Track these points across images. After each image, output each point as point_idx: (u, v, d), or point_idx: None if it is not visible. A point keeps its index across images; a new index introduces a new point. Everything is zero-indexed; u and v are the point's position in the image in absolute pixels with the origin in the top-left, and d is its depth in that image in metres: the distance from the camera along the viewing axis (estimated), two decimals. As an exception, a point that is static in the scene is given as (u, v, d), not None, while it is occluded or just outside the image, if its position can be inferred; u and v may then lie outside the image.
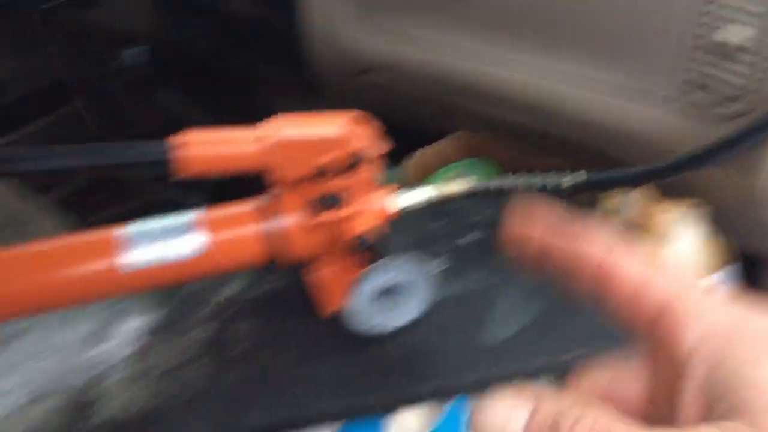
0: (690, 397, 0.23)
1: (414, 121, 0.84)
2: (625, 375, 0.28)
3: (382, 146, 0.57)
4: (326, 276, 0.62)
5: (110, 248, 0.55)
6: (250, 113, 0.60)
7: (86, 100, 1.47)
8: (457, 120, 0.84)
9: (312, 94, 0.98)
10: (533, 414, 0.22)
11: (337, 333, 0.59)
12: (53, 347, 0.61)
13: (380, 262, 0.52)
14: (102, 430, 0.54)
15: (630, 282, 0.25)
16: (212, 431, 0.54)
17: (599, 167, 0.63)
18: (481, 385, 0.58)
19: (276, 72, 1.03)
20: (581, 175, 0.62)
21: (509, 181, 0.65)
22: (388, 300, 0.55)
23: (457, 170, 0.83)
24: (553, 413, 0.22)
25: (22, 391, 0.58)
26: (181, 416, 0.55)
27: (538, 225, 0.27)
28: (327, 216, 0.57)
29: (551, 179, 0.63)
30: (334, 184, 0.57)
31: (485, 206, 0.72)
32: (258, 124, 0.57)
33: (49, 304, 0.56)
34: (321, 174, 0.56)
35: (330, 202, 0.57)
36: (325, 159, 0.56)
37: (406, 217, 0.64)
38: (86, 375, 0.59)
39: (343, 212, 0.58)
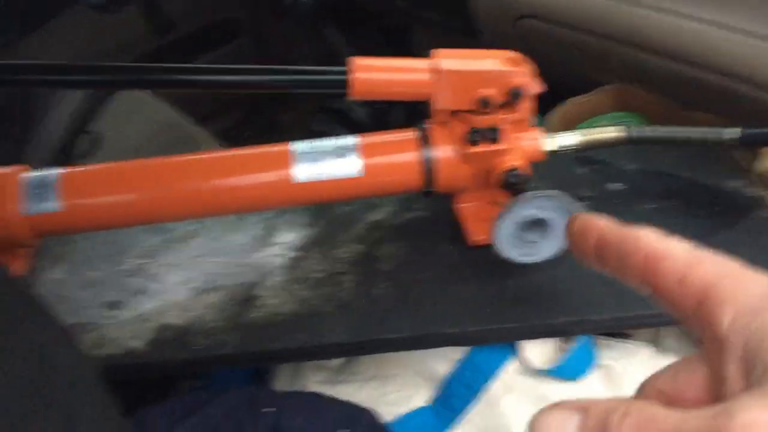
0: (732, 370, 0.23)
1: (564, 72, 0.84)
2: (684, 374, 0.27)
3: (540, 86, 0.59)
4: (474, 206, 0.65)
5: (284, 161, 0.60)
6: (407, 56, 0.63)
7: (253, 38, 1.55)
8: (609, 71, 0.84)
9: (470, 38, 1.00)
10: (585, 415, 0.23)
11: (479, 261, 0.62)
12: (222, 248, 0.68)
13: (526, 195, 0.55)
14: (254, 327, 0.60)
15: (675, 269, 0.26)
16: (353, 339, 0.59)
17: (753, 125, 0.62)
18: (610, 326, 0.59)
19: (437, 15, 1.05)
20: (736, 132, 0.61)
21: (665, 131, 0.65)
22: (531, 233, 0.57)
23: (604, 122, 0.83)
24: (603, 411, 0.23)
25: (190, 284, 0.65)
26: (326, 323, 0.60)
27: (597, 221, 0.29)
28: (481, 148, 0.60)
29: (710, 133, 0.62)
30: (491, 118, 0.60)
31: (633, 156, 0.72)
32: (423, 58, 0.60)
33: (225, 208, 0.63)
34: (482, 106, 0.59)
35: (486, 135, 0.60)
36: (487, 92, 0.58)
37: (553, 160, 0.65)
38: (246, 277, 0.65)
39: (497, 146, 0.60)
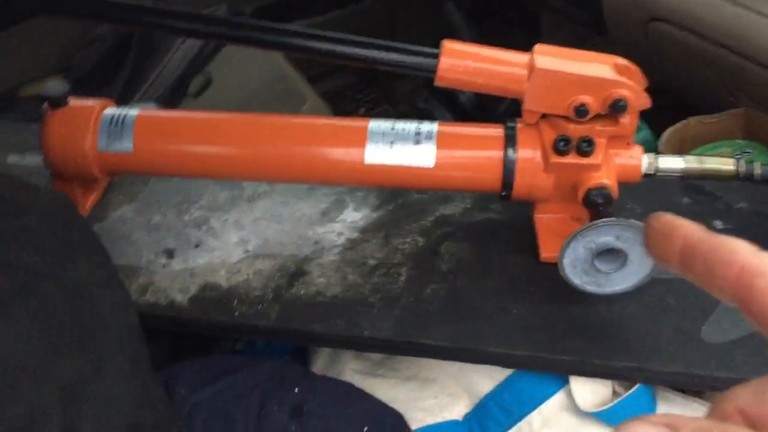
0: None
1: (691, 86, 0.76)
2: None
3: (646, 101, 0.52)
4: (553, 219, 0.60)
5: (359, 139, 0.57)
6: (526, 42, 0.58)
7: (381, 1, 1.53)
8: (741, 92, 0.75)
9: (596, 33, 0.92)
10: None
11: (544, 280, 0.57)
12: (286, 215, 0.66)
13: (606, 220, 0.49)
14: (296, 304, 0.58)
15: None
16: (392, 338, 0.56)
17: None
18: (683, 381, 0.53)
19: (563, 4, 0.98)
20: None
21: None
22: (605, 263, 0.51)
23: (725, 149, 0.74)
24: (695, 431, 0.21)
25: (245, 246, 0.64)
26: (368, 315, 0.57)
27: (684, 223, 0.27)
28: (568, 159, 0.55)
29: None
30: (585, 128, 0.54)
31: (747, 194, 0.64)
32: (525, 51, 0.55)
33: (292, 176, 0.61)
34: (577, 114, 0.53)
35: (576, 145, 0.54)
36: (585, 99, 0.53)
37: (656, 183, 0.59)
38: (301, 250, 0.63)
39: (587, 159, 0.54)
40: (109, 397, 0.45)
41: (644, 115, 0.57)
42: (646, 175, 0.57)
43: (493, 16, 1.31)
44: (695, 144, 0.76)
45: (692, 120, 0.76)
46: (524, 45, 0.56)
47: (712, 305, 0.54)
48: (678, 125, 0.75)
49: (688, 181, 0.62)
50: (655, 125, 0.79)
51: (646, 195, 0.64)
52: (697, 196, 0.64)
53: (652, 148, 0.78)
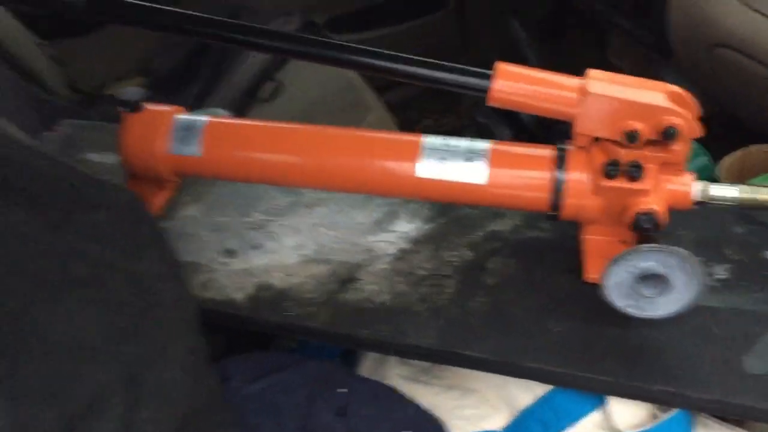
0: None
1: (754, 113, 0.75)
2: None
3: (698, 130, 0.53)
4: (600, 241, 0.61)
5: (412, 153, 0.59)
6: (593, 61, 0.59)
7: (452, 14, 1.55)
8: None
9: (659, 56, 0.92)
10: None
11: (588, 300, 0.58)
12: (341, 223, 0.69)
13: (649, 246, 0.50)
14: (346, 309, 0.61)
15: None
16: (434, 347, 0.58)
17: None
18: (721, 409, 0.53)
19: (630, 26, 0.98)
20: None
21: None
22: (648, 287, 0.52)
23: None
24: None
25: (301, 250, 0.67)
26: (414, 323, 0.59)
27: None
28: (617, 183, 0.55)
29: None
30: (636, 153, 0.55)
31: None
32: (578, 74, 0.56)
33: (347, 186, 0.64)
34: (627, 139, 0.54)
35: (625, 170, 0.55)
36: (636, 125, 0.54)
37: (711, 211, 0.59)
38: (354, 257, 0.65)
39: (635, 184, 0.55)
40: (166, 383, 0.48)
41: (704, 141, 0.57)
42: (698, 203, 0.57)
43: (561, 35, 1.31)
44: (756, 172, 0.75)
45: (754, 148, 0.75)
46: (592, 64, 0.57)
47: (756, 335, 0.54)
48: (739, 152, 0.74)
49: (743, 210, 0.62)
50: (716, 151, 0.79)
51: (700, 222, 0.64)
52: (750, 225, 0.64)
53: (710, 174, 0.78)
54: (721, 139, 0.64)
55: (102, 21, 1.18)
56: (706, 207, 0.57)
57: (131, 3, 0.60)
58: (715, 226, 0.64)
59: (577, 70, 0.57)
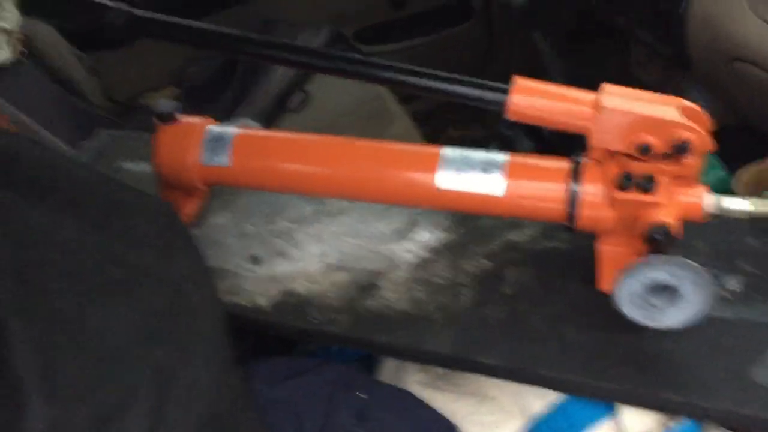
0: None
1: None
2: None
3: (710, 144, 0.54)
4: (615, 252, 0.62)
5: (431, 164, 0.61)
6: (615, 72, 0.61)
7: (479, 25, 1.57)
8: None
9: (679, 69, 0.93)
10: None
11: (602, 310, 0.59)
12: (363, 232, 0.71)
13: (659, 257, 0.51)
14: (366, 315, 0.63)
15: None
16: (451, 353, 0.60)
17: None
18: (730, 420, 0.54)
19: (650, 39, 0.99)
20: None
21: None
22: (659, 298, 0.53)
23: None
24: None
25: (324, 258, 0.69)
26: (431, 330, 0.61)
27: None
28: (630, 195, 0.57)
29: None
30: (649, 167, 0.56)
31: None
32: (591, 90, 0.57)
33: (369, 196, 0.66)
34: (641, 153, 0.55)
35: (638, 183, 0.56)
36: (648, 138, 0.55)
37: (726, 224, 0.60)
38: (374, 264, 0.68)
39: (648, 197, 0.57)
40: (194, 384, 0.51)
41: (721, 154, 0.59)
42: (711, 216, 0.58)
43: (584, 47, 1.32)
44: (770, 186, 0.76)
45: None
46: (615, 75, 0.58)
47: (766, 347, 0.54)
48: (755, 164, 0.75)
49: (760, 223, 0.63)
50: (734, 164, 0.79)
51: (714, 234, 0.65)
52: (765, 238, 0.65)
53: (726, 186, 0.78)
54: (740, 152, 0.65)
55: (139, 37, 1.23)
56: (720, 219, 0.58)
57: (167, 21, 0.63)
58: (729, 238, 0.65)
59: (601, 81, 0.58)
